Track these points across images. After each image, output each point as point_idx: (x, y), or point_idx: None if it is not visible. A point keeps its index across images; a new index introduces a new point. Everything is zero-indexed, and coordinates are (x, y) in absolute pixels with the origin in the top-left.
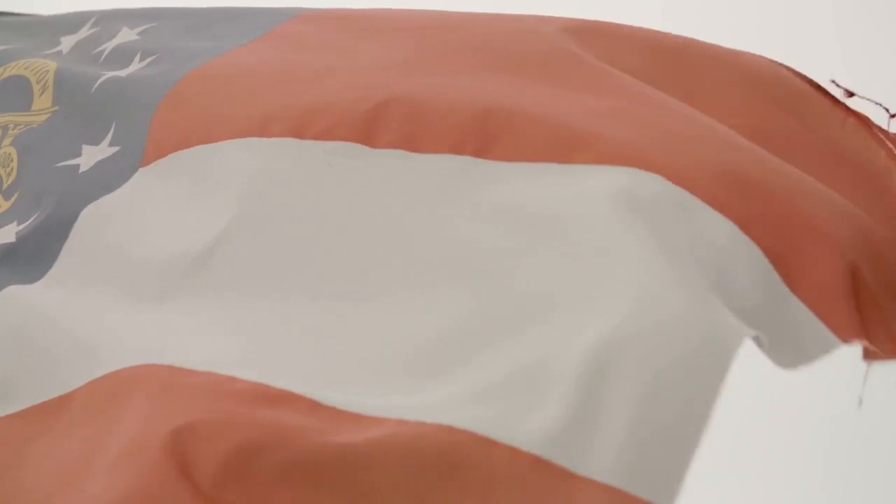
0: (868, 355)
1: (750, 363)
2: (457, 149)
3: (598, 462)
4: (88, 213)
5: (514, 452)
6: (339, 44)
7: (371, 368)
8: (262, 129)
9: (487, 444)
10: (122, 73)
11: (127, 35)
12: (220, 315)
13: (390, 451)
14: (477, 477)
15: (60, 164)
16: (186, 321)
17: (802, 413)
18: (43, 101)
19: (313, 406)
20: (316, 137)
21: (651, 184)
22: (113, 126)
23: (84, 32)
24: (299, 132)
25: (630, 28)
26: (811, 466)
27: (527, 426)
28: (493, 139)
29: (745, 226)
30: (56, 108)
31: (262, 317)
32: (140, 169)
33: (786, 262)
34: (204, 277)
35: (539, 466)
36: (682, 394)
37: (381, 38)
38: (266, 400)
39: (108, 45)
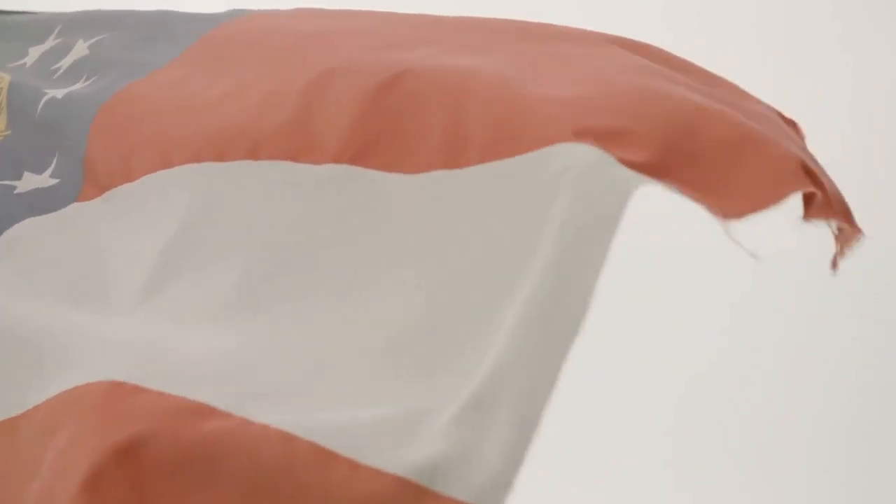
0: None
1: (750, 366)
2: (337, 159)
3: (467, 483)
4: (12, 234)
5: (353, 466)
6: (253, 61)
7: (265, 383)
8: (167, 160)
9: (327, 456)
10: (60, 93)
11: (80, 50)
12: (133, 328)
13: (234, 444)
14: (315, 485)
15: None
16: (112, 334)
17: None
18: None
19: (160, 395)
20: (212, 159)
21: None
22: (56, 157)
23: (49, 43)
24: (197, 157)
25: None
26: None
27: (392, 448)
28: (376, 147)
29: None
30: (8, 132)
31: (164, 331)
32: (73, 203)
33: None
34: (131, 304)
35: (393, 484)
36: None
37: (297, 52)
38: (128, 393)
39: (64, 63)
